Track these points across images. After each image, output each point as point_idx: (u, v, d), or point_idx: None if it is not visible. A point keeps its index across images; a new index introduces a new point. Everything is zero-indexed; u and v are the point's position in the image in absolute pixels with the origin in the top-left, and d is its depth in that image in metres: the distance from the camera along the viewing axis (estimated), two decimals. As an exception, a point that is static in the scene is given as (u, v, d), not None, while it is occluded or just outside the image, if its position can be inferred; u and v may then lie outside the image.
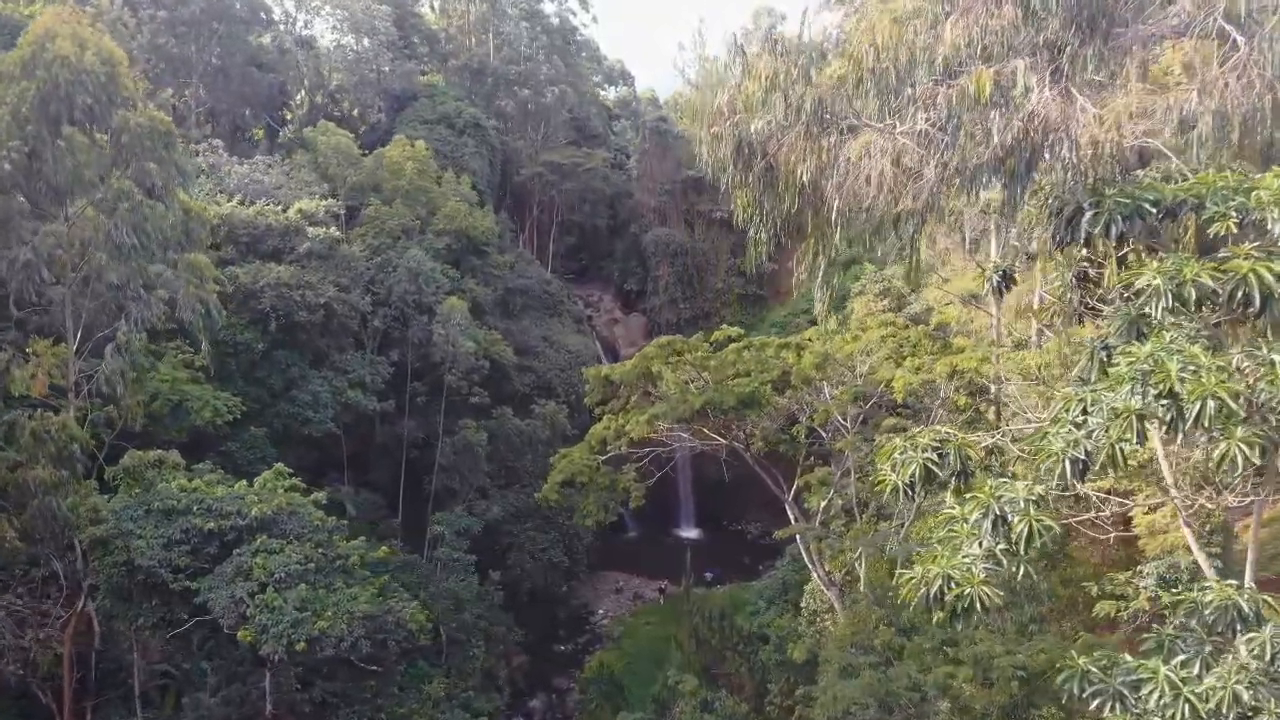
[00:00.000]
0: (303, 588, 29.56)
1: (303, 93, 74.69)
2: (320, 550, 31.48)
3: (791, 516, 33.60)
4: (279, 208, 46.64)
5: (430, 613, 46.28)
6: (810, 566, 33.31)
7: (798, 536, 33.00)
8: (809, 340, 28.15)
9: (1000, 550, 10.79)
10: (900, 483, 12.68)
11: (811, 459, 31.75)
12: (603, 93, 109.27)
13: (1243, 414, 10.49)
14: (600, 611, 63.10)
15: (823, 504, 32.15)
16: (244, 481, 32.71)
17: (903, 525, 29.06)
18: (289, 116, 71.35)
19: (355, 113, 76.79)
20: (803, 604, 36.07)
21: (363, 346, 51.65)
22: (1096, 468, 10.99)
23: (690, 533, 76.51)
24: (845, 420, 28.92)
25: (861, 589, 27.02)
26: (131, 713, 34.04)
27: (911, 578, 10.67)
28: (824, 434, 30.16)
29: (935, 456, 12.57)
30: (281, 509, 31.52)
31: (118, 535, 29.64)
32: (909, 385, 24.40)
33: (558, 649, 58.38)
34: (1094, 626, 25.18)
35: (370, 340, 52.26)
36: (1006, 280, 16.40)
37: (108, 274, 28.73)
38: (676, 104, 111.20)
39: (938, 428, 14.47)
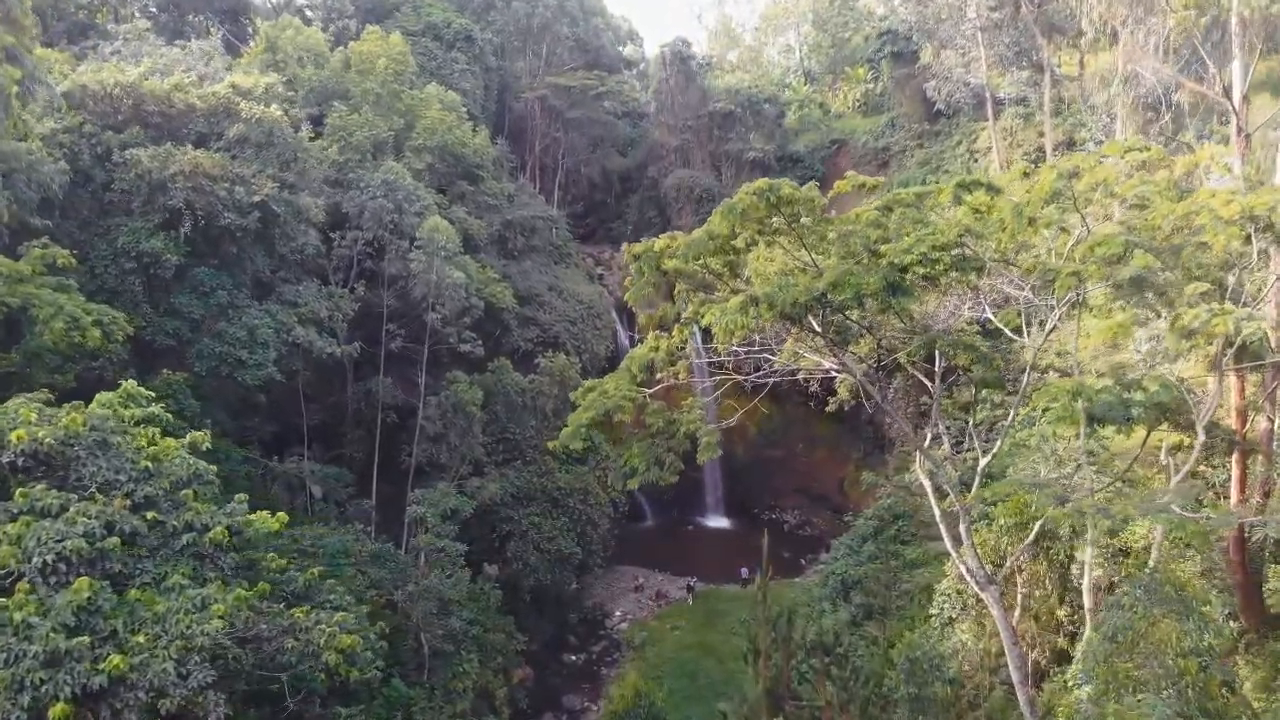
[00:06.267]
0: (85, 585, 16.58)
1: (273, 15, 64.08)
2: (152, 516, 18.43)
3: (922, 476, 22.96)
4: (206, 83, 35.26)
5: (408, 618, 35.92)
6: (953, 554, 22.55)
7: (936, 513, 22.21)
8: (1014, 179, 17.13)
9: None
10: None
11: (950, 395, 20.88)
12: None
13: None
14: (618, 613, 53.12)
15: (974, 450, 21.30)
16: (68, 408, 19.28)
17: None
18: (252, 31, 60.79)
19: (329, 30, 66.18)
20: (933, 610, 25.46)
21: (327, 280, 40.80)
22: None
23: (718, 522, 67.12)
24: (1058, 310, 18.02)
25: (1126, 579, 16.42)
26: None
27: None
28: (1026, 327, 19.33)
29: None
30: (75, 437, 18.14)
31: None
32: (1244, 214, 13.57)
33: (568, 659, 48.51)
34: None
35: (337, 273, 41.43)
36: None
37: None
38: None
39: None
